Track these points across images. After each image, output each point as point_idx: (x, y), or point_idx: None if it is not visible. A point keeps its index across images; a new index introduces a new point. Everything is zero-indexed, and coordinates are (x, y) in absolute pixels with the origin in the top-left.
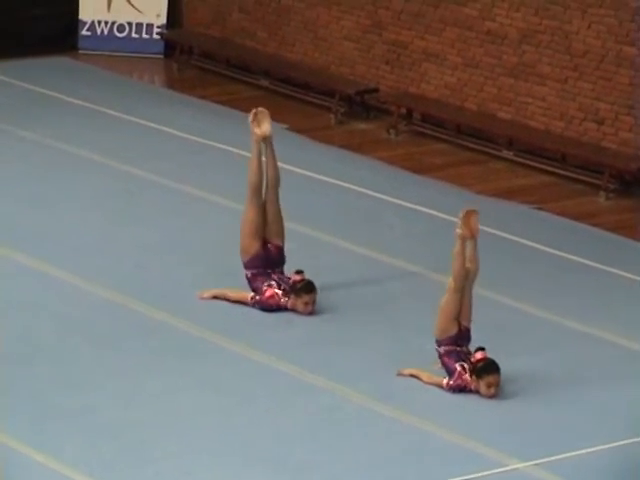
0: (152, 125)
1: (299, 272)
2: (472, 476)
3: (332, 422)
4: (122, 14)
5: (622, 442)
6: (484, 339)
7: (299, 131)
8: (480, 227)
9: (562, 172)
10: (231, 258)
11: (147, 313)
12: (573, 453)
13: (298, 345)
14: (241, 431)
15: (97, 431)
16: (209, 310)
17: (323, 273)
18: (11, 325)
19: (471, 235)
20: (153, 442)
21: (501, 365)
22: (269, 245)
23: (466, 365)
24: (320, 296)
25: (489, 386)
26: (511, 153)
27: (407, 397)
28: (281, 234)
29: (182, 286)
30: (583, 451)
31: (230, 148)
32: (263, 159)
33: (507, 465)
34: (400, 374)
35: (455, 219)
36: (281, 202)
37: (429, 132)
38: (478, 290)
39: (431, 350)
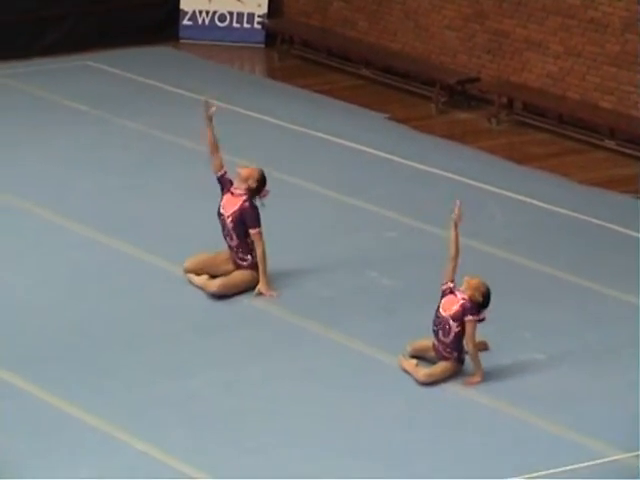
0: (252, 114)
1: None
2: (573, 467)
3: (432, 412)
4: (223, 4)
5: None
6: (584, 332)
7: (400, 121)
8: (584, 217)
9: None
10: (340, 248)
11: (245, 302)
12: None
13: (397, 334)
14: (339, 420)
15: (197, 419)
16: (305, 298)
17: (423, 262)
18: (115, 312)
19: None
20: (251, 431)
21: (592, 359)
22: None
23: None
24: (423, 286)
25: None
26: (613, 142)
27: (507, 388)
28: None
29: (279, 277)
30: None
31: (328, 137)
32: None
33: (608, 456)
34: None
35: (558, 209)
36: (381, 191)
37: (530, 121)
38: (584, 283)
39: (531, 339)
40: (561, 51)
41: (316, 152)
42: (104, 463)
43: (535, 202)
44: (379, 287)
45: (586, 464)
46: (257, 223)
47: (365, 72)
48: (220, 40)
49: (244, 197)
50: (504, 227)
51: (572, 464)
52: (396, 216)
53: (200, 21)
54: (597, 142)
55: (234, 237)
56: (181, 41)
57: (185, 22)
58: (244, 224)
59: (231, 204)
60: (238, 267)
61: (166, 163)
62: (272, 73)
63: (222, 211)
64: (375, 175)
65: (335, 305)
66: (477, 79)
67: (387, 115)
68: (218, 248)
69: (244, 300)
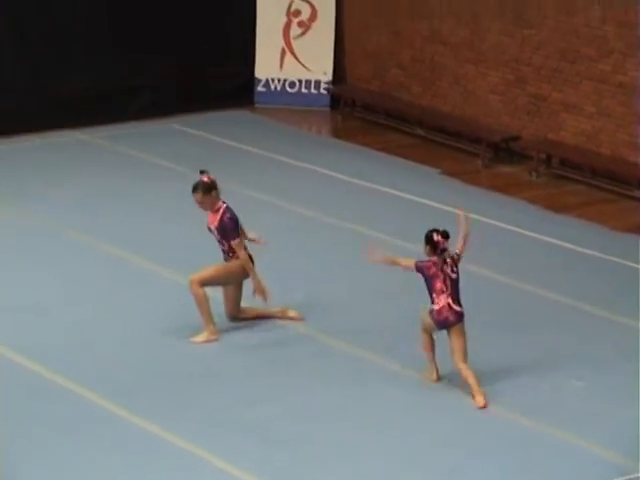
0: (319, 169)
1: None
2: None
3: (479, 431)
4: (293, 72)
5: None
6: (619, 363)
7: (451, 174)
8: (616, 259)
9: None
10: (398, 284)
11: (308, 333)
12: None
13: (446, 360)
14: (394, 439)
15: (272, 442)
16: (368, 332)
17: (470, 298)
18: (193, 348)
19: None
20: (322, 455)
21: (627, 387)
22: None
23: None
24: (479, 321)
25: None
26: None
27: (549, 410)
28: None
29: (347, 311)
30: None
31: (387, 189)
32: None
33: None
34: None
35: (593, 252)
36: None
37: (567, 175)
38: (618, 318)
39: (569, 368)
40: (594, 112)
41: (376, 203)
42: (189, 479)
43: (571, 246)
44: None
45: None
46: (235, 234)
47: (419, 132)
48: (290, 104)
49: (221, 211)
50: (544, 269)
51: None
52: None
53: (273, 88)
54: (627, 192)
55: (225, 243)
56: (256, 105)
57: (259, 89)
58: (226, 236)
59: (213, 219)
60: None
61: (240, 214)
62: (336, 133)
63: (210, 226)
64: (429, 223)
65: (389, 336)
66: (519, 137)
67: (439, 170)
68: (291, 287)
69: (309, 334)
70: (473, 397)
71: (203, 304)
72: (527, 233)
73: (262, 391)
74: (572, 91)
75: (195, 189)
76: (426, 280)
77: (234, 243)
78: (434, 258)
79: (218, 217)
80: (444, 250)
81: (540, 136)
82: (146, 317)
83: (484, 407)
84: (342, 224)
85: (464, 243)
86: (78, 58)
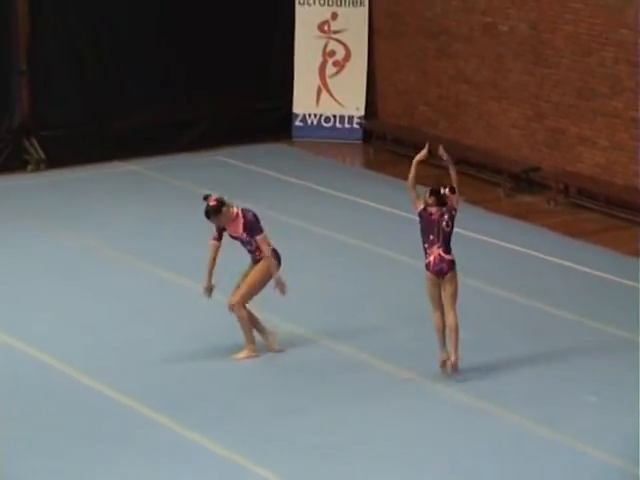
0: (352, 198)
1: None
2: None
3: (509, 448)
4: (328, 108)
5: None
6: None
7: (474, 203)
8: (630, 282)
9: None
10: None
11: (344, 351)
12: None
13: (472, 372)
14: (422, 454)
15: (309, 451)
16: (399, 351)
17: (491, 321)
18: (241, 364)
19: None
20: (356, 464)
21: None
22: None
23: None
24: (496, 339)
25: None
26: None
27: (570, 423)
28: None
29: (380, 329)
30: None
31: (415, 217)
32: None
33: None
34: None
35: (608, 275)
36: (461, 262)
37: (583, 203)
38: (633, 338)
39: (586, 384)
40: (608, 145)
41: (405, 229)
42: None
43: (587, 269)
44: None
45: None
46: (260, 230)
47: (444, 163)
48: (326, 138)
49: (240, 215)
50: (562, 291)
51: None
52: (470, 281)
53: (309, 122)
54: (639, 220)
55: (252, 243)
56: (294, 139)
57: (297, 123)
58: (253, 233)
59: (235, 227)
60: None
61: (279, 241)
62: (368, 165)
63: (234, 235)
64: (453, 248)
65: (420, 353)
66: (538, 169)
67: (463, 198)
68: (333, 305)
69: (345, 351)
70: (448, 358)
71: (246, 325)
72: (546, 258)
73: (299, 403)
74: (588, 126)
75: (207, 215)
76: (422, 229)
77: (259, 238)
78: (434, 209)
79: (240, 222)
80: (445, 204)
81: (558, 167)
82: (192, 335)
83: (454, 367)
84: (373, 249)
85: (454, 174)
86: (131, 95)
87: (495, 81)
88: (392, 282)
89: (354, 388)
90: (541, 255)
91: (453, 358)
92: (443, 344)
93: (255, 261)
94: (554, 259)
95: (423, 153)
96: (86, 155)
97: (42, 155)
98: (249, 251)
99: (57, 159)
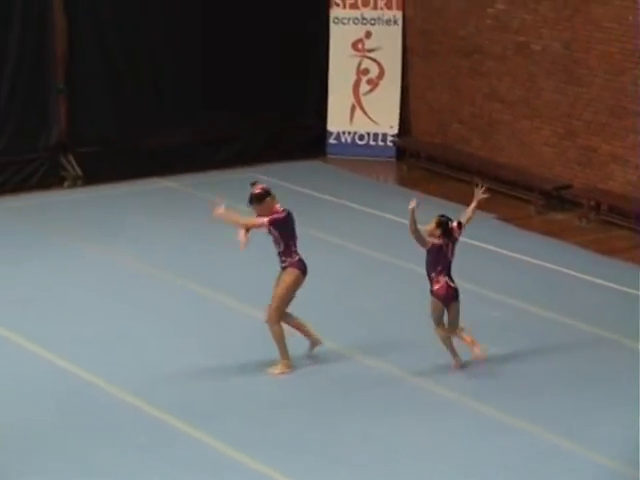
0: (386, 215)
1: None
2: None
3: (525, 460)
4: (362, 126)
5: None
6: None
7: (505, 220)
8: None
9: None
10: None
11: (376, 366)
12: None
13: (492, 387)
14: (453, 471)
15: (339, 462)
16: (434, 366)
17: (521, 337)
18: (275, 379)
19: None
20: (387, 478)
21: None
22: None
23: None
24: (527, 355)
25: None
26: None
27: (591, 435)
28: None
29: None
30: None
31: None
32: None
33: None
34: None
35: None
36: (491, 277)
37: (614, 220)
38: None
39: (598, 396)
40: (639, 163)
41: None
42: None
43: (618, 286)
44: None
45: None
46: (282, 227)
47: (477, 180)
48: (359, 155)
49: (277, 212)
50: (595, 309)
51: None
52: (502, 298)
53: (343, 140)
54: None
55: (281, 243)
56: (328, 156)
57: (331, 141)
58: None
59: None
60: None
61: (310, 255)
62: (402, 182)
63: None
64: (485, 264)
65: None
66: (570, 186)
67: (495, 215)
68: (356, 321)
69: (377, 366)
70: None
71: (280, 340)
72: (578, 275)
73: (332, 418)
74: (619, 144)
75: (250, 202)
76: (429, 261)
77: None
78: (441, 241)
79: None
80: (451, 235)
81: (590, 185)
82: (227, 350)
83: (478, 350)
84: (406, 265)
85: (472, 214)
86: (168, 112)
87: (528, 99)
88: (423, 298)
89: (386, 403)
90: (572, 272)
91: (475, 348)
92: (453, 350)
93: (282, 267)
94: (585, 276)
95: (414, 203)
96: (122, 171)
97: (79, 172)
98: (278, 254)
99: (94, 175)
